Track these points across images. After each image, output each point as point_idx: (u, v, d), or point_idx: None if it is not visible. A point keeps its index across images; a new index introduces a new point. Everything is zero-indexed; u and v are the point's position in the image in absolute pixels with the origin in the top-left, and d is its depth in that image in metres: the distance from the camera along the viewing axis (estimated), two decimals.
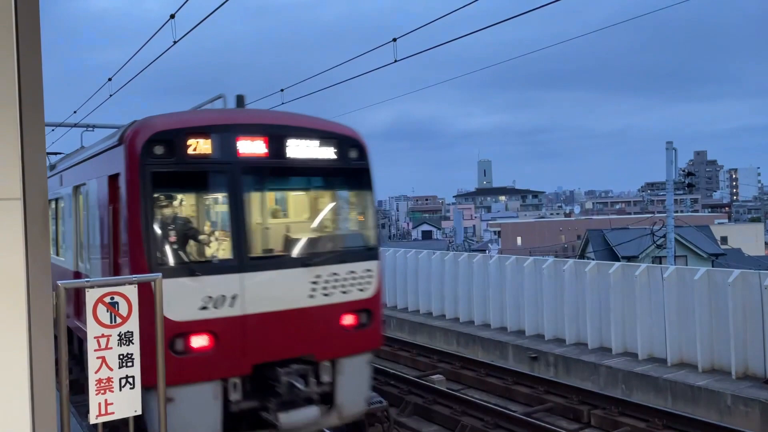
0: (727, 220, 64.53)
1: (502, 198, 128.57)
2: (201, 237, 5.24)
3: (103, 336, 2.96)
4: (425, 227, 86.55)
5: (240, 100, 5.79)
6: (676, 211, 34.99)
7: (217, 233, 5.43)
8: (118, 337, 3.00)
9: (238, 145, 5.26)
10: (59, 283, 2.84)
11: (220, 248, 5.34)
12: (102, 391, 2.95)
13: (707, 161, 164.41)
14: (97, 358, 2.98)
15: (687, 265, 23.30)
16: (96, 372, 2.93)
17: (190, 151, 5.03)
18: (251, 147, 5.33)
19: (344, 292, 5.59)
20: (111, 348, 2.97)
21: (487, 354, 11.31)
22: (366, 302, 5.74)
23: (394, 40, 9.98)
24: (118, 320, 3.01)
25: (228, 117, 5.56)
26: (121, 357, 3.01)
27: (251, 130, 5.38)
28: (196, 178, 5.21)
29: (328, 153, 5.79)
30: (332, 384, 5.52)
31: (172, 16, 8.69)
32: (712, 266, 27.72)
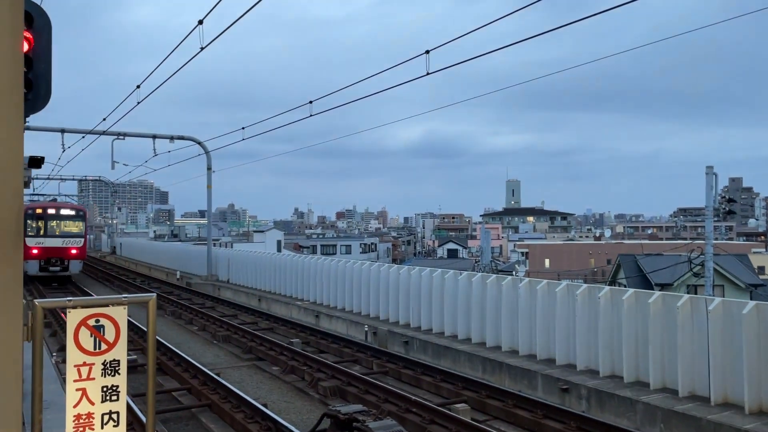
0: (764, 249, 62.44)
1: (530, 219, 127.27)
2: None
3: (84, 365, 2.61)
4: (451, 246, 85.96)
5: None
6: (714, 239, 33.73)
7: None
8: (103, 367, 2.64)
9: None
10: (36, 301, 2.52)
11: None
12: (81, 429, 2.58)
13: (742, 188, 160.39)
14: (77, 390, 2.62)
15: (724, 296, 22.28)
16: (75, 406, 2.57)
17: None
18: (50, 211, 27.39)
19: (70, 244, 26.63)
20: (93, 379, 2.61)
21: (514, 383, 10.77)
22: (78, 249, 26.81)
23: (427, 52, 9.67)
24: (104, 346, 2.65)
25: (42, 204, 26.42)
26: (105, 389, 2.65)
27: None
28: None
29: (70, 212, 27.75)
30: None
31: (200, 22, 8.50)
32: (751, 297, 26.55)
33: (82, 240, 27.72)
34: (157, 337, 13.97)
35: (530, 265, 57.01)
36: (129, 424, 8.83)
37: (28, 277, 26.31)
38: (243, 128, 20.56)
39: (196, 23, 8.51)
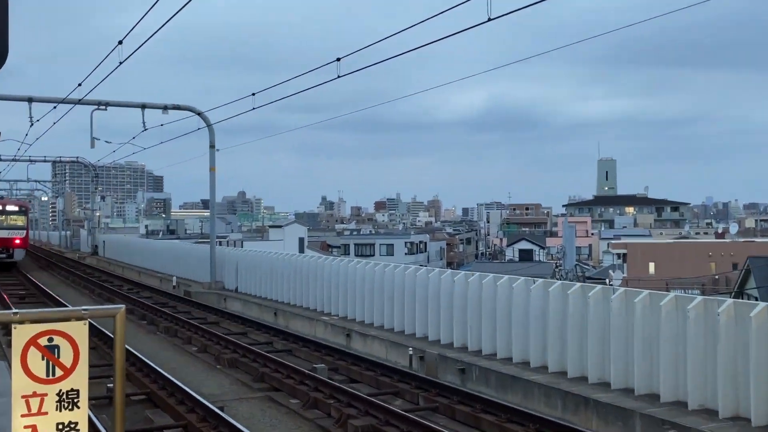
0: None
1: (630, 210, 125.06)
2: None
3: (35, 395, 2.62)
4: (523, 245, 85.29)
5: None
6: None
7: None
8: (58, 398, 2.66)
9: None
10: None
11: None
12: None
13: None
14: (25, 427, 2.64)
15: None
16: None
17: None
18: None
19: (13, 235, 39.04)
20: (46, 413, 2.63)
21: (604, 425, 10.60)
22: (21, 239, 39.59)
23: None
24: (59, 372, 2.67)
25: None
26: (61, 427, 2.67)
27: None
28: None
29: (14, 208, 40.77)
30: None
31: None
32: None
33: (24, 232, 41.40)
34: (147, 360, 14.32)
35: (629, 270, 56.01)
36: None
37: None
38: (253, 94, 20.75)
39: None
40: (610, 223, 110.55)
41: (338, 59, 14.46)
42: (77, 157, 57.45)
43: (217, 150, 28.63)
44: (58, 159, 56.81)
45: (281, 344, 17.43)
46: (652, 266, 56.39)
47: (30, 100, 26.67)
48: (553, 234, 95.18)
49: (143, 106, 28.30)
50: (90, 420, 9.70)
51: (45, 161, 54.68)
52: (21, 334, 2.67)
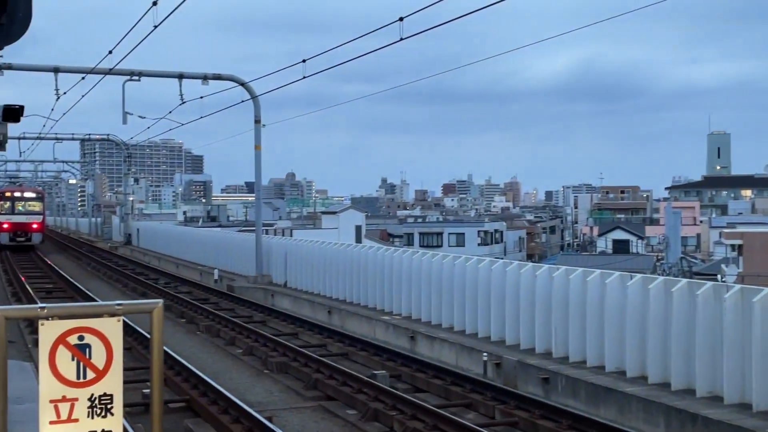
0: None
1: (746, 193, 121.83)
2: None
3: (64, 400, 2.70)
4: (618, 234, 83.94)
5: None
6: None
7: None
8: (90, 403, 2.73)
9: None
10: None
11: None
12: None
13: None
14: None
15: None
16: None
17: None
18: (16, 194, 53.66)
19: (31, 220, 50.34)
20: (77, 420, 2.71)
21: None
22: (38, 224, 50.80)
23: None
24: (90, 375, 2.74)
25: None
26: None
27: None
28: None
29: (32, 195, 54.29)
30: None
31: None
32: None
33: (41, 217, 52.77)
34: (186, 363, 14.66)
35: (745, 264, 54.53)
36: None
37: (2, 247, 48.12)
38: (304, 61, 20.88)
39: None
40: (723, 209, 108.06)
41: (401, 19, 14.44)
42: (108, 135, 59.00)
43: (263, 125, 28.98)
44: (87, 137, 58.48)
45: (336, 347, 17.60)
46: None
47: (56, 70, 27.47)
48: (654, 222, 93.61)
49: (180, 76, 28.83)
50: (125, 429, 10.00)
51: (73, 139, 56.33)
52: (49, 331, 2.75)
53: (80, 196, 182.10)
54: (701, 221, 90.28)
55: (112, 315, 2.84)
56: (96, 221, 77.56)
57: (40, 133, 49.57)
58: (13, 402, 8.88)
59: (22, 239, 49.43)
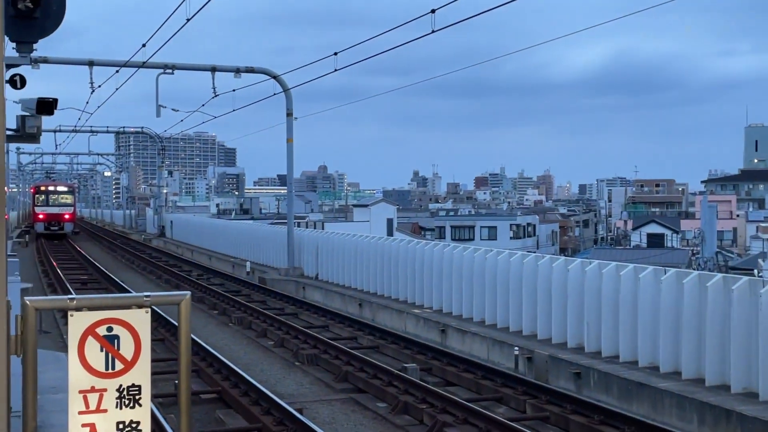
0: None
1: None
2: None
3: (93, 390, 2.74)
4: (653, 228, 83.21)
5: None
6: None
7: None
8: (118, 394, 2.77)
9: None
10: (27, 299, 2.68)
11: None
12: None
13: None
14: (83, 425, 2.76)
15: None
16: None
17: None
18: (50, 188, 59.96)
19: (64, 211, 57.08)
20: (105, 411, 2.74)
21: None
22: (69, 215, 57.76)
23: None
24: (119, 366, 2.78)
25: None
26: (122, 427, 2.78)
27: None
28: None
29: (64, 189, 60.40)
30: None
31: None
32: None
33: (72, 208, 59.80)
34: (218, 354, 14.80)
35: None
36: None
37: (37, 235, 54.81)
38: (335, 54, 20.92)
39: None
40: (760, 203, 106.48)
41: (433, 11, 14.38)
42: (142, 127, 59.60)
43: (295, 118, 29.07)
44: (122, 129, 59.11)
45: (367, 340, 17.64)
46: None
47: (91, 63, 27.79)
48: (690, 215, 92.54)
49: (213, 69, 29.03)
50: (156, 419, 10.10)
51: (108, 132, 57.05)
52: (78, 323, 2.79)
53: (115, 189, 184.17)
54: (738, 215, 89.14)
55: (140, 306, 2.87)
56: (130, 213, 78.47)
57: (75, 126, 50.24)
58: (48, 392, 9.04)
59: (56, 228, 55.59)
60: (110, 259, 40.69)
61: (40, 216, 56.39)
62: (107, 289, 26.94)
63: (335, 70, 21.43)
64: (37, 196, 58.34)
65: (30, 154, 77.98)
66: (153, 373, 11.84)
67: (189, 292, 3.02)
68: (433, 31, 14.74)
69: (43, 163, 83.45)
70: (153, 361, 11.81)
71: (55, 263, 33.86)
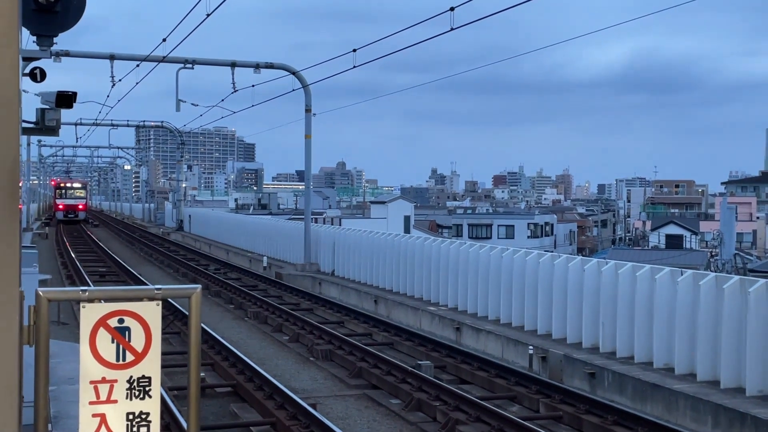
0: None
1: None
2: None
3: (103, 381, 2.76)
4: (672, 229, 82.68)
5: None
6: None
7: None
8: (129, 385, 2.80)
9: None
10: (39, 290, 2.72)
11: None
12: None
13: None
14: (94, 416, 2.80)
15: None
16: None
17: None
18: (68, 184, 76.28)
19: (78, 202, 73.75)
20: (116, 401, 2.77)
21: None
22: (83, 205, 74.85)
23: None
24: (129, 357, 2.81)
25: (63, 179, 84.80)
26: (131, 418, 2.81)
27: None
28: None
29: (78, 185, 77.60)
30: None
31: None
32: None
33: (85, 200, 75.72)
34: (233, 348, 14.87)
35: None
36: None
37: (57, 221, 67.05)
38: (354, 50, 20.94)
39: None
40: None
41: (452, 9, 14.36)
42: (162, 122, 59.88)
43: (314, 114, 29.13)
44: (142, 123, 59.47)
45: (381, 336, 17.65)
46: None
47: (112, 57, 27.95)
48: (709, 217, 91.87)
49: (233, 65, 29.11)
50: (171, 412, 10.17)
51: (128, 125, 57.45)
52: (90, 314, 2.82)
53: (135, 182, 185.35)
54: (758, 217, 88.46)
55: (152, 299, 2.89)
56: (149, 207, 78.92)
57: (96, 120, 50.59)
58: (65, 382, 9.12)
59: (72, 215, 70.30)
60: (129, 252, 40.95)
61: (60, 206, 71.51)
62: (125, 282, 27.11)
63: (354, 67, 21.47)
64: (57, 190, 74.59)
65: (51, 146, 78.91)
66: (169, 366, 12.02)
67: (200, 286, 3.04)
68: (452, 29, 14.73)
69: (63, 156, 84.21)
70: (169, 354, 11.99)
71: (74, 255, 34.11)
